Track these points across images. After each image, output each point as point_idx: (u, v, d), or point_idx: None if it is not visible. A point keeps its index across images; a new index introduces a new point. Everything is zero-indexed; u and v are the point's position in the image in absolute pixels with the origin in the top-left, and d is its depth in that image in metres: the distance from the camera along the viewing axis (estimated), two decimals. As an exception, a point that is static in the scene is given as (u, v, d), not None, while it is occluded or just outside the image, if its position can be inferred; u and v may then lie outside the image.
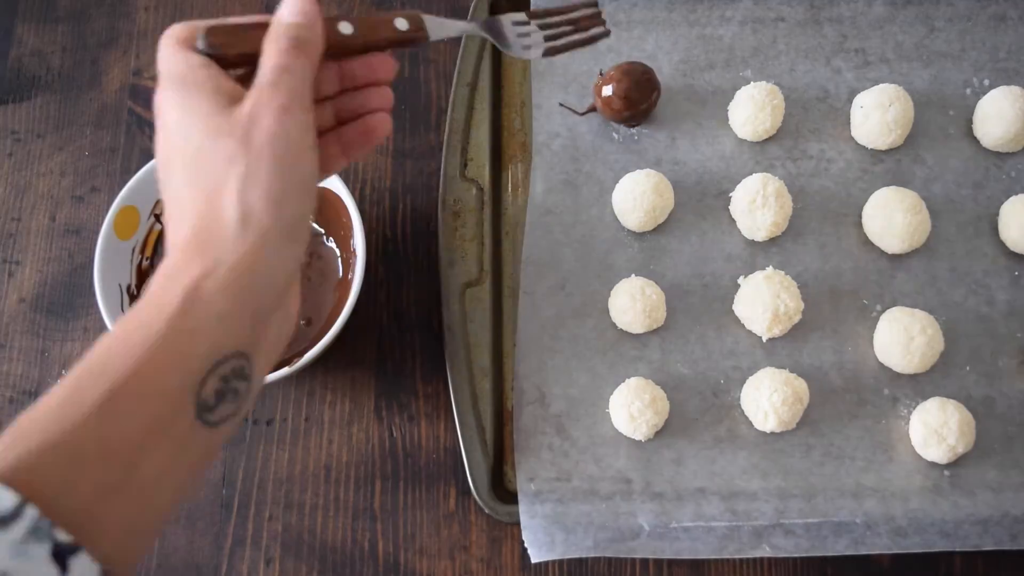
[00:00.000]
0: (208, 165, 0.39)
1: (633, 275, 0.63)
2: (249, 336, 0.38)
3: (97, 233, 0.58)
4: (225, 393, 0.37)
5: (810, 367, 0.62)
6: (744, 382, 0.61)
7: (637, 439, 0.60)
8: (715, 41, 0.70)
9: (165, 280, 0.37)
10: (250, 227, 0.37)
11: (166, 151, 0.41)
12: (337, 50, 0.46)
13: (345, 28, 0.46)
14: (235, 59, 0.43)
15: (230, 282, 0.37)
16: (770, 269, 0.62)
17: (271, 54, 0.41)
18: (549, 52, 0.54)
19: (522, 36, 0.54)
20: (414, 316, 0.66)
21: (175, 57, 0.41)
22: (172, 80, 0.41)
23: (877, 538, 0.57)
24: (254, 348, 0.38)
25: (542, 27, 0.54)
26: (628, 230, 0.65)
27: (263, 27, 0.43)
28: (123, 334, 0.36)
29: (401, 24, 0.48)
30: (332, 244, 0.65)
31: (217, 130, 0.39)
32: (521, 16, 0.54)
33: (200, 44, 0.42)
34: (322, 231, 0.65)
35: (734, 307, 0.63)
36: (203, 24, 0.42)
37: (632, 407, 0.58)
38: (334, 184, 0.60)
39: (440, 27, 0.51)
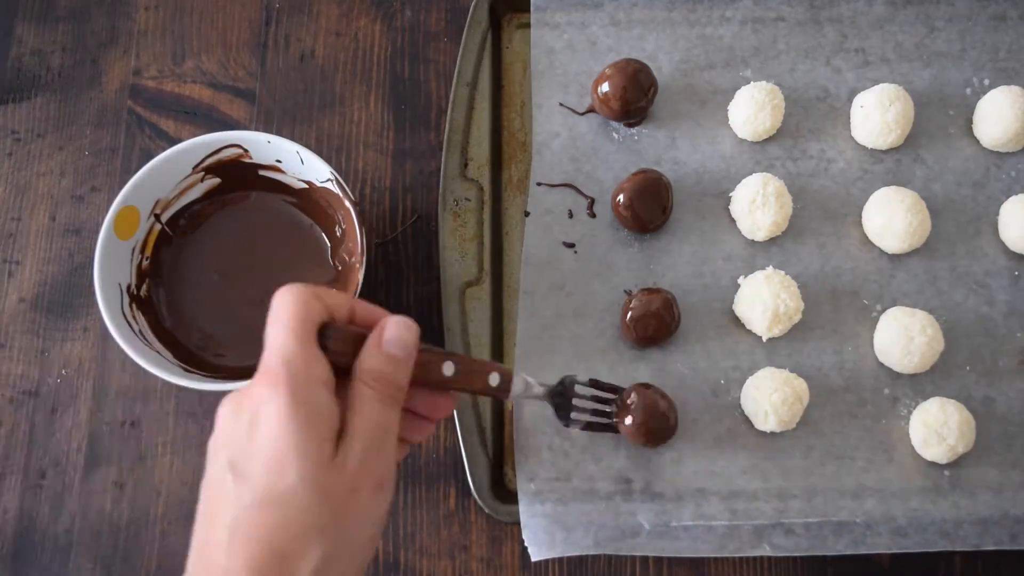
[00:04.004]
0: (293, 514, 0.39)
1: None
2: None
3: (97, 233, 0.58)
4: None
5: (810, 367, 0.62)
6: (744, 382, 0.61)
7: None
8: (715, 41, 0.70)
9: None
10: None
11: (245, 451, 0.40)
12: (430, 387, 0.48)
13: (448, 369, 0.48)
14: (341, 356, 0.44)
15: None
16: (770, 269, 0.62)
17: (369, 404, 0.42)
18: (587, 427, 0.58)
19: (578, 406, 0.57)
20: (414, 316, 0.66)
21: (298, 347, 0.41)
22: (288, 375, 0.40)
23: (877, 538, 0.58)
24: None
25: (597, 400, 0.57)
26: (628, 230, 0.65)
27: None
28: None
29: (494, 379, 0.51)
30: (323, 237, 0.65)
31: (314, 485, 0.39)
32: (590, 390, 0.57)
33: (327, 343, 0.43)
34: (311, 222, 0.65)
35: (734, 307, 0.63)
36: (327, 314, 0.44)
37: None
38: (334, 184, 0.60)
39: (525, 388, 0.54)
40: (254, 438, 0.40)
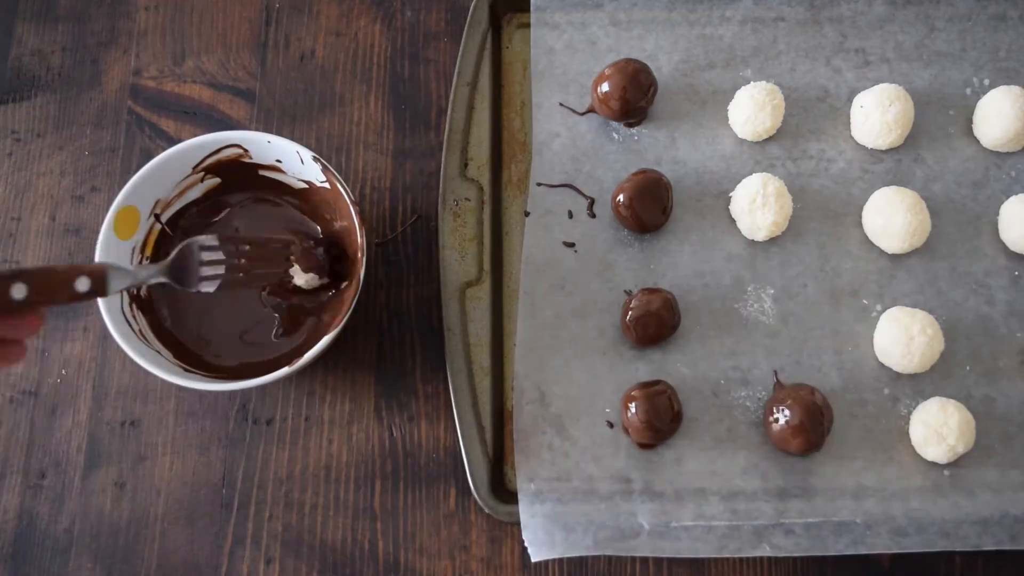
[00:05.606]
0: None
1: None
2: None
3: (97, 233, 0.58)
4: None
5: (810, 367, 0.62)
6: (744, 382, 0.61)
7: None
8: (715, 41, 0.70)
9: None
10: None
11: None
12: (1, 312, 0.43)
13: (18, 292, 0.43)
14: None
15: None
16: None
17: None
18: (225, 286, 0.54)
19: (206, 264, 0.54)
20: (414, 316, 0.66)
21: None
22: None
23: (877, 538, 0.58)
24: None
25: (227, 255, 0.55)
26: (628, 230, 0.65)
27: None
28: None
29: (82, 285, 0.46)
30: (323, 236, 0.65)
31: None
32: (211, 239, 0.54)
33: None
34: (317, 228, 0.65)
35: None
36: None
37: None
38: (335, 183, 0.60)
39: (130, 278, 0.50)
40: None
